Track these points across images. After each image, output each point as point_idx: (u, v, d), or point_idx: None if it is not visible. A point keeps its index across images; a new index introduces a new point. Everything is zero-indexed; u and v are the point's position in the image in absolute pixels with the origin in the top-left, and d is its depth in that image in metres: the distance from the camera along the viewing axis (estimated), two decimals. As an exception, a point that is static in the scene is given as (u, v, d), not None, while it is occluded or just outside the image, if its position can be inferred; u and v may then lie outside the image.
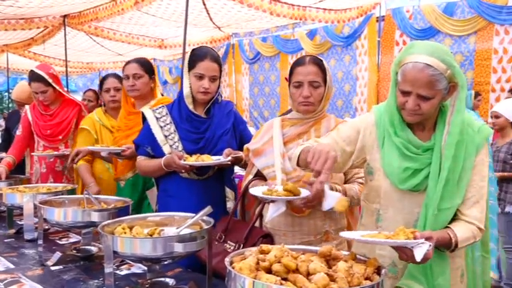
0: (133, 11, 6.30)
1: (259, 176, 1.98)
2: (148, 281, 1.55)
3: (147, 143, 2.19)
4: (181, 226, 1.54)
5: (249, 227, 1.82)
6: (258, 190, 1.74)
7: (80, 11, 6.91)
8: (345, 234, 1.42)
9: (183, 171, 2.07)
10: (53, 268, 1.76)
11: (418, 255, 1.24)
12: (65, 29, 7.39)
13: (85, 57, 10.78)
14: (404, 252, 1.31)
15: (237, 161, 2.15)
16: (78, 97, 3.46)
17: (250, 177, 1.99)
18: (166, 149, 2.13)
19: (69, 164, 2.68)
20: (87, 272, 1.72)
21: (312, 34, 8.65)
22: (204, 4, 6.50)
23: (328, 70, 1.91)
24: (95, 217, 1.75)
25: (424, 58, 1.39)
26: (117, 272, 1.70)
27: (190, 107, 2.16)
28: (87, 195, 1.94)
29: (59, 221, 1.80)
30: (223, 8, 6.68)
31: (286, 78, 1.97)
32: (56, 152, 3.05)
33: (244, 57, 10.21)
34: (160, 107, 2.23)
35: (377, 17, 7.70)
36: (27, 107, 3.35)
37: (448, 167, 1.44)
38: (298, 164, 1.63)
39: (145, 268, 1.65)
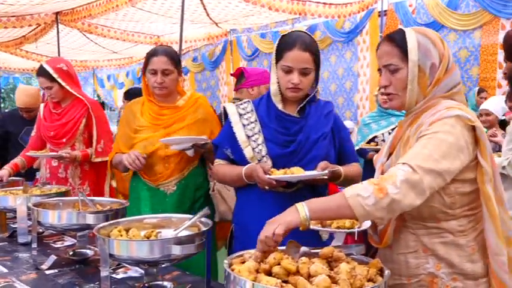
0: (127, 7, 6.19)
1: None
2: (146, 284, 1.52)
3: (227, 144, 1.84)
4: (178, 228, 1.51)
5: None
6: None
7: (72, 8, 6.80)
8: None
9: (266, 187, 1.66)
10: (47, 272, 1.72)
11: None
12: (57, 27, 7.27)
13: (78, 55, 10.63)
14: None
15: (335, 177, 1.74)
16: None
17: None
18: (247, 152, 1.76)
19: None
20: (82, 276, 1.68)
21: (311, 30, 8.53)
22: (201, -1, 6.43)
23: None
24: (90, 219, 1.71)
25: None
26: (114, 275, 1.66)
27: (279, 106, 1.80)
28: (82, 197, 1.90)
29: (53, 224, 1.77)
30: (221, 3, 6.61)
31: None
32: (47, 153, 2.82)
33: (243, 53, 10.10)
34: (245, 102, 1.88)
35: (379, 12, 7.60)
36: (41, 104, 3.10)
37: None
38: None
39: (143, 271, 1.61)
